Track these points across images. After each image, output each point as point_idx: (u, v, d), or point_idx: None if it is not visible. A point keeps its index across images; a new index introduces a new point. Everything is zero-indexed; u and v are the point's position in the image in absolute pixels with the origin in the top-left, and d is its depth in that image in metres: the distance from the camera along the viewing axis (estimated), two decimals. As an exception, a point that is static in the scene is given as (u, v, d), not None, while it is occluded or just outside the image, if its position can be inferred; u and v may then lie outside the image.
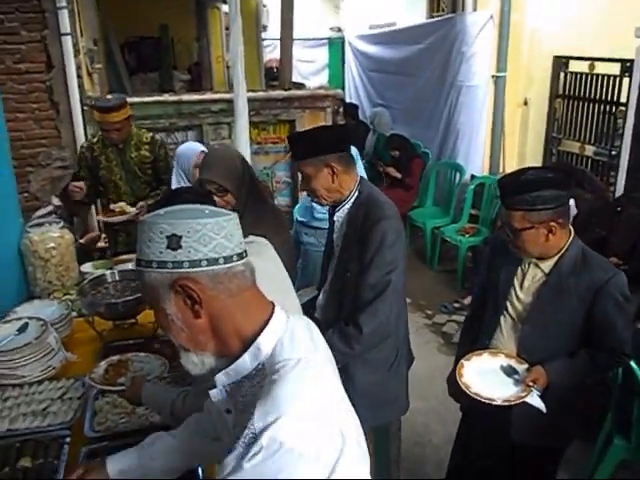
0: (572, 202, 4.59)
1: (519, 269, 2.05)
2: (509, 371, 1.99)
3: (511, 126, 5.81)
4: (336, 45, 8.75)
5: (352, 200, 2.12)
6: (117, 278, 2.65)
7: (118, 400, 1.98)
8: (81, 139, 4.27)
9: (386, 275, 2.01)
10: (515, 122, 5.81)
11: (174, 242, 0.92)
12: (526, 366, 1.98)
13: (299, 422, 0.87)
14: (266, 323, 0.99)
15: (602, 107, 5.07)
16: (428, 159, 6.12)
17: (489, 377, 1.98)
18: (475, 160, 5.74)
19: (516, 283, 2.05)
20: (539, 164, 5.78)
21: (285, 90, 4.62)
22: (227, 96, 4.58)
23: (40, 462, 1.71)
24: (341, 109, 5.15)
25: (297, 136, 2.19)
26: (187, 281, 0.93)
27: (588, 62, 5.11)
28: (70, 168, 4.26)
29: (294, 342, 0.99)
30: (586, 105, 5.24)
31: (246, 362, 0.98)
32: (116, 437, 1.81)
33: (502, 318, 2.09)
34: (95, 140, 3.55)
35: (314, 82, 8.66)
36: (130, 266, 2.92)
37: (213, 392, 1.03)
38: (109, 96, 3.62)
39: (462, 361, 2.06)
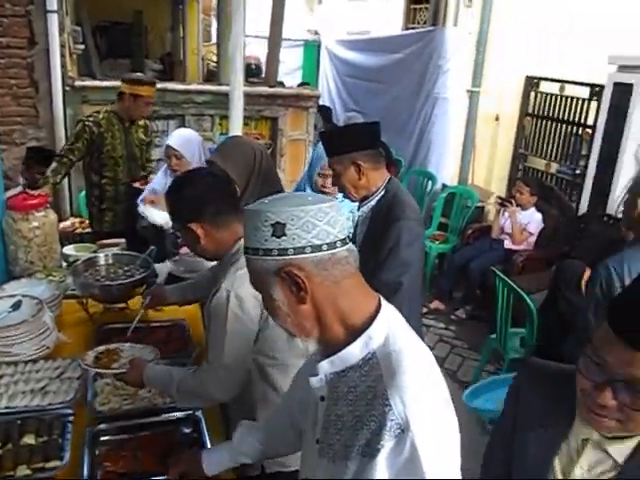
0: (539, 217, 4.83)
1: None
2: None
3: (482, 140, 6.02)
4: (311, 48, 8.81)
5: (378, 198, 2.14)
6: (110, 261, 2.61)
7: (119, 383, 1.96)
8: (60, 120, 4.16)
9: (398, 277, 1.99)
10: (486, 136, 6.02)
11: (278, 230, 0.94)
12: None
13: (435, 406, 0.94)
14: (376, 312, 1.00)
15: (569, 128, 5.33)
16: (401, 166, 6.26)
17: None
18: (446, 170, 5.92)
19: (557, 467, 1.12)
20: (506, 178, 6.02)
21: (270, 87, 4.64)
22: (212, 88, 4.58)
23: (44, 439, 1.69)
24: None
25: (327, 134, 2.20)
26: (292, 267, 0.95)
27: (559, 84, 5.37)
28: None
29: (402, 332, 1.01)
30: (554, 125, 5.49)
31: (355, 351, 0.97)
32: (120, 418, 1.80)
33: None
34: (101, 117, 3.49)
35: (286, 82, 8.68)
36: (116, 250, 2.90)
37: (313, 380, 1.02)
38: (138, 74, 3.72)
39: None
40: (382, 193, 2.14)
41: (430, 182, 5.88)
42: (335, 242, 0.96)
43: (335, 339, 1.00)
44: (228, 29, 3.99)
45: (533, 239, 4.77)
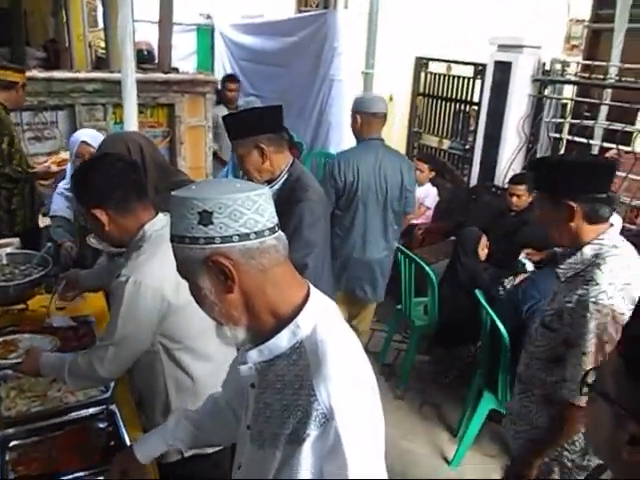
0: (435, 191, 5.09)
1: None
2: None
3: (378, 120, 6.19)
4: (205, 32, 8.60)
5: (282, 181, 2.15)
6: (4, 262, 2.49)
7: (26, 385, 1.91)
8: None
9: (302, 258, 1.99)
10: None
11: (205, 218, 0.93)
12: None
13: (359, 395, 0.96)
14: (304, 301, 1.00)
15: (457, 106, 5.63)
16: (302, 149, 6.32)
17: None
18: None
19: None
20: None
21: (164, 73, 4.52)
22: (103, 75, 4.39)
23: (-52, 451, 1.61)
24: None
25: (230, 117, 2.18)
26: (219, 256, 0.94)
27: (446, 64, 5.65)
28: None
29: (330, 321, 1.02)
30: (443, 103, 5.78)
31: (282, 340, 0.98)
32: (29, 421, 1.76)
33: None
34: None
35: (180, 68, 8.45)
36: (9, 250, 2.75)
37: (243, 368, 1.03)
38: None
39: None
40: (285, 176, 2.16)
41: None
42: (263, 231, 0.96)
43: (264, 328, 1.00)
44: (115, 13, 3.82)
45: (430, 212, 5.02)
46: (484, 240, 3.68)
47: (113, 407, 1.81)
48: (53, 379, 1.92)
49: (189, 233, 0.95)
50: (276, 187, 2.15)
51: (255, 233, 0.95)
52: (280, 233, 1.01)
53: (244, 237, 0.94)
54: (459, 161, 5.67)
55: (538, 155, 4.57)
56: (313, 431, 0.90)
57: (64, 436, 1.72)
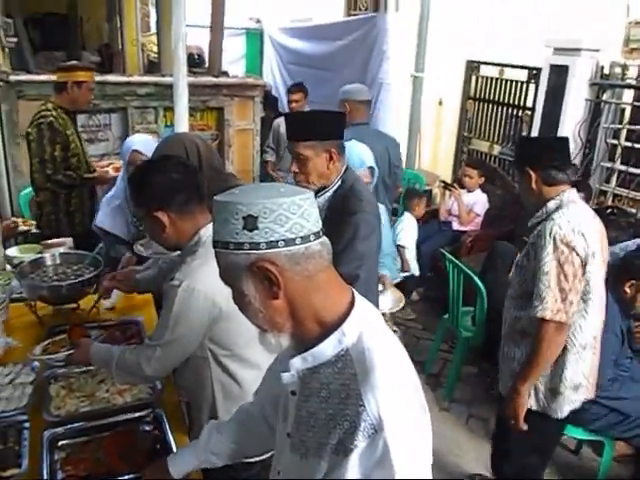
0: (485, 197, 4.97)
1: None
2: None
3: (426, 124, 6.12)
4: (254, 36, 8.67)
5: (335, 188, 2.09)
6: (58, 261, 2.54)
7: (75, 385, 1.93)
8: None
9: (355, 269, 1.95)
10: (430, 121, 6.12)
11: (250, 223, 0.90)
12: None
13: (408, 405, 0.93)
14: (350, 308, 0.97)
15: (509, 110, 5.48)
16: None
17: None
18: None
19: None
20: (451, 161, 6.16)
21: (214, 77, 4.57)
22: (155, 79, 4.48)
23: (0, 448, 1.64)
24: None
25: (299, 116, 2.17)
26: (264, 262, 0.92)
27: (498, 67, 5.51)
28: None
29: (376, 329, 0.99)
30: (495, 107, 5.64)
31: (328, 348, 0.95)
32: (78, 421, 1.77)
33: None
34: (55, 113, 3.31)
35: (229, 72, 8.56)
36: (62, 250, 2.81)
37: (285, 375, 1.00)
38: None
39: None
40: (339, 183, 2.10)
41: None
42: (309, 236, 0.93)
43: (308, 335, 0.97)
44: (168, 18, 3.88)
45: (480, 219, 4.90)
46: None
47: (160, 410, 1.81)
48: (101, 380, 1.94)
49: (233, 239, 0.93)
50: (329, 194, 2.10)
51: (301, 238, 0.92)
52: (324, 238, 0.98)
53: (290, 242, 0.92)
54: (509, 167, 5.52)
55: (595, 163, 4.39)
56: (361, 442, 0.88)
57: (111, 438, 1.73)
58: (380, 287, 2.68)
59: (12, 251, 2.93)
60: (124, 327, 2.31)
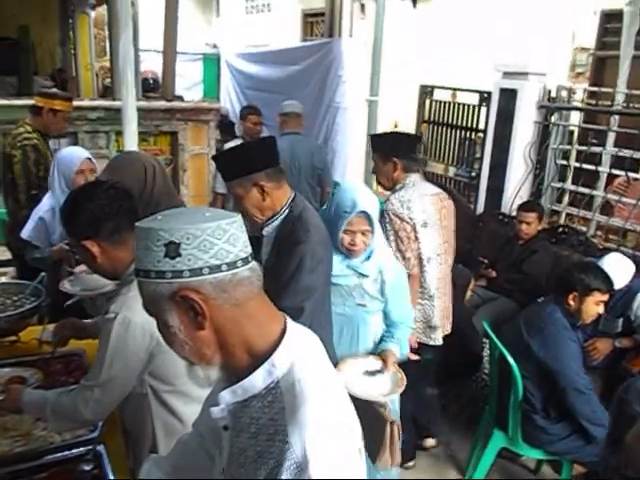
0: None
1: None
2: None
3: (383, 147, 6.16)
4: (211, 61, 8.70)
5: (282, 217, 2.00)
6: (-4, 292, 2.42)
7: (10, 423, 1.82)
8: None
9: (300, 302, 1.86)
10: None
11: (172, 250, 0.86)
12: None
13: (337, 443, 0.87)
14: (280, 337, 0.93)
15: (463, 133, 5.59)
16: (333, 185, 6.25)
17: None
18: (350, 177, 6.00)
19: None
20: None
21: (168, 101, 4.52)
22: (105, 103, 4.41)
23: None
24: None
25: (221, 155, 2.05)
26: (188, 291, 0.87)
27: (451, 91, 5.63)
28: None
29: (311, 359, 0.95)
30: (449, 130, 5.75)
31: (257, 380, 0.91)
32: (10, 463, 1.66)
33: None
34: (34, 135, 3.34)
35: (186, 97, 8.53)
36: (3, 279, 2.70)
37: (215, 410, 0.95)
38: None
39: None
40: (286, 212, 2.01)
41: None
42: (236, 262, 0.89)
43: (238, 366, 0.93)
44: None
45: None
46: (472, 284, 3.71)
47: (100, 448, 1.71)
48: (38, 417, 1.83)
49: (155, 267, 0.88)
50: (276, 223, 2.01)
51: (227, 264, 0.88)
52: (254, 263, 0.93)
53: (215, 269, 0.87)
54: (465, 188, 5.61)
55: (545, 183, 4.50)
56: None
57: (48, 478, 1.63)
58: (378, 365, 2.28)
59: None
60: (66, 360, 2.19)
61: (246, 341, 0.92)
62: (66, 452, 1.70)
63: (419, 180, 2.79)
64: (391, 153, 2.74)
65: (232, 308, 0.90)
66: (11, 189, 3.40)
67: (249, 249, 0.93)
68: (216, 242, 0.87)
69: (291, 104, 4.49)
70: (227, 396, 0.94)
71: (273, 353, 0.91)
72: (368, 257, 2.29)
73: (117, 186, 1.71)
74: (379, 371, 2.25)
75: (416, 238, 2.67)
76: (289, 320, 0.98)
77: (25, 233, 2.83)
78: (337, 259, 2.24)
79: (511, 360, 2.61)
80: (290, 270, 1.89)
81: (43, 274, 2.44)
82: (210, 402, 1.04)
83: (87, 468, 1.67)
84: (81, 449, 1.71)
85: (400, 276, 2.40)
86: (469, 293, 3.73)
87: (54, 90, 3.67)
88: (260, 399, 0.91)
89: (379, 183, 2.94)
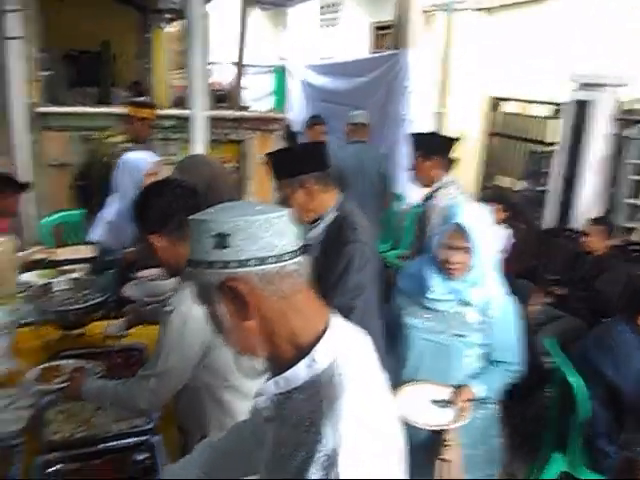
0: (506, 233, 4.88)
1: None
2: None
3: (448, 160, 6.08)
4: (281, 73, 8.87)
5: (328, 221, 2.03)
6: (67, 286, 2.55)
7: (72, 410, 1.91)
8: (23, 147, 4.10)
9: (351, 300, 1.90)
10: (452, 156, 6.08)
11: (221, 241, 0.88)
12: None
13: (370, 441, 0.87)
14: (323, 331, 0.93)
15: (531, 146, 5.44)
16: (394, 198, 6.23)
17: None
18: (414, 190, 5.93)
19: None
20: (474, 196, 6.10)
21: (236, 111, 4.66)
22: (177, 112, 4.57)
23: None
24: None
25: (274, 155, 2.09)
26: (235, 282, 0.89)
27: (519, 103, 5.50)
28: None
29: (352, 354, 0.94)
30: (518, 143, 5.60)
31: (299, 372, 0.91)
32: (71, 447, 1.74)
33: None
34: (125, 145, 3.51)
35: (256, 108, 8.74)
36: (75, 275, 2.84)
37: (259, 400, 0.97)
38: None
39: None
40: (332, 216, 2.04)
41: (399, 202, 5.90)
42: (282, 255, 0.90)
43: (283, 358, 0.93)
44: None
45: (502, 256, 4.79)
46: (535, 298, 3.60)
47: (155, 439, 1.77)
48: (98, 406, 1.91)
49: (205, 257, 0.90)
50: (322, 225, 2.03)
51: (273, 257, 0.89)
52: (302, 258, 0.94)
53: (262, 261, 0.89)
54: (533, 203, 5.44)
55: (618, 199, 4.30)
56: (314, 474, 0.82)
57: (102, 465, 1.69)
58: (447, 394, 2.08)
59: (27, 276, 2.96)
60: (126, 354, 2.28)
61: (291, 333, 0.93)
62: (122, 441, 1.77)
63: (456, 179, 2.94)
64: (431, 151, 2.88)
65: (279, 300, 0.91)
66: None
67: (298, 243, 0.93)
68: (263, 235, 0.88)
69: (360, 114, 4.67)
70: (271, 386, 0.95)
71: (316, 346, 0.92)
72: (475, 283, 2.07)
73: (183, 185, 1.78)
74: (447, 402, 2.06)
75: None
76: (336, 316, 0.98)
77: (95, 235, 2.97)
78: (438, 280, 2.09)
79: (578, 379, 2.50)
80: (339, 270, 1.92)
81: (112, 271, 2.55)
82: (257, 393, 1.05)
83: (140, 458, 1.72)
84: (136, 439, 1.77)
85: (509, 312, 2.12)
86: (531, 308, 3.59)
87: (142, 99, 3.81)
88: (301, 391, 0.91)
89: (417, 180, 3.05)
